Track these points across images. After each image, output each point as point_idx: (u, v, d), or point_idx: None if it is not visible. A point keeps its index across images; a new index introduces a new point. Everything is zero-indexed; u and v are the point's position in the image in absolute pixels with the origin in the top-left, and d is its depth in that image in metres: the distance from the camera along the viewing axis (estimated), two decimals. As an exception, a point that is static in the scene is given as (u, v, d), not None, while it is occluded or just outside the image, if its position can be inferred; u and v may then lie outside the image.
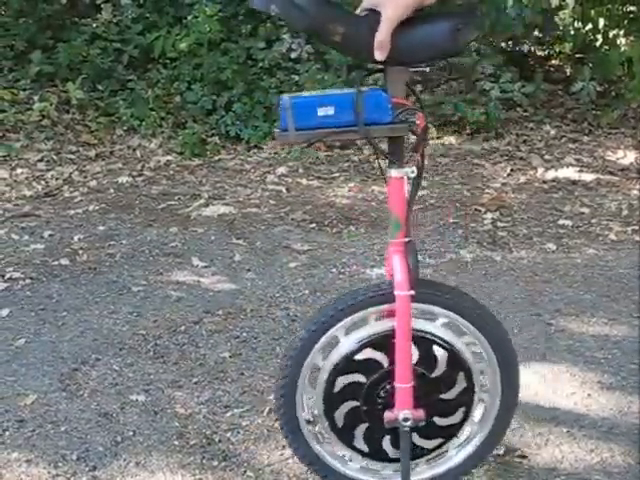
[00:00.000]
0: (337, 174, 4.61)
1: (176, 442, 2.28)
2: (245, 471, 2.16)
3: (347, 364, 1.80)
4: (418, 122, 1.66)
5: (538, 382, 2.55)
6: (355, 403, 1.83)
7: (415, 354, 1.79)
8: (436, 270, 3.38)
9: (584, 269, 3.41)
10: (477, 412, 1.91)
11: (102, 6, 5.78)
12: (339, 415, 1.84)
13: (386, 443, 1.86)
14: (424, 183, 4.44)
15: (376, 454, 1.89)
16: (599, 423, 2.36)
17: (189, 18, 5.28)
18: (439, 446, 1.90)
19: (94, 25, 5.72)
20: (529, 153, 4.91)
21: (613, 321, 2.95)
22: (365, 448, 1.87)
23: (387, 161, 1.71)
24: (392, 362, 1.77)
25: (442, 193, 4.30)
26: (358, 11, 1.60)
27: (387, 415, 1.79)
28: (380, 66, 1.64)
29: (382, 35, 1.53)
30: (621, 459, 2.19)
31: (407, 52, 1.59)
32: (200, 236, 3.77)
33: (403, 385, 1.76)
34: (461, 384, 1.84)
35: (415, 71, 1.66)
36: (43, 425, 2.36)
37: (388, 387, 1.80)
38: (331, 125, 1.62)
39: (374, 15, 1.55)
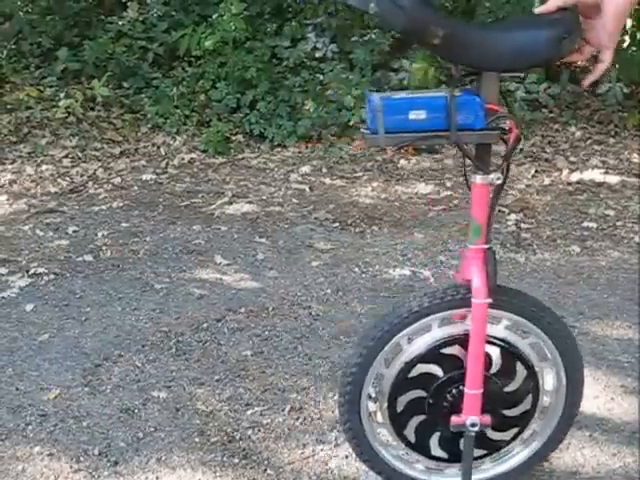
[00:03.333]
0: (360, 174, 4.60)
1: (197, 439, 2.29)
2: (265, 469, 2.17)
3: (431, 354, 1.79)
4: (509, 129, 1.62)
5: (561, 385, 2.54)
6: (423, 393, 1.82)
7: (497, 364, 1.79)
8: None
9: (608, 272, 3.38)
10: (528, 432, 1.93)
11: (128, 4, 5.83)
12: (402, 400, 1.83)
13: (434, 439, 1.86)
14: (448, 184, 4.43)
15: (419, 447, 1.89)
16: (622, 427, 2.34)
17: (214, 16, 5.30)
18: (479, 457, 1.90)
19: (120, 23, 5.77)
20: (554, 155, 4.88)
21: (637, 325, 2.93)
22: (412, 439, 1.87)
23: (472, 167, 1.68)
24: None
25: (466, 194, 4.27)
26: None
27: (454, 419, 1.79)
28: (474, 70, 1.59)
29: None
30: (644, 464, 2.18)
31: (508, 58, 1.53)
32: (223, 234, 3.78)
33: (472, 391, 1.76)
34: (526, 405, 1.85)
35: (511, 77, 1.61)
36: (65, 420, 2.37)
37: (461, 388, 1.79)
38: (422, 129, 1.57)
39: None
